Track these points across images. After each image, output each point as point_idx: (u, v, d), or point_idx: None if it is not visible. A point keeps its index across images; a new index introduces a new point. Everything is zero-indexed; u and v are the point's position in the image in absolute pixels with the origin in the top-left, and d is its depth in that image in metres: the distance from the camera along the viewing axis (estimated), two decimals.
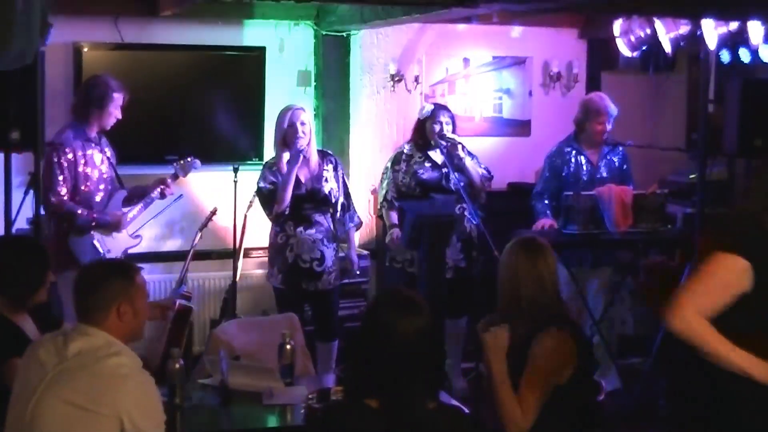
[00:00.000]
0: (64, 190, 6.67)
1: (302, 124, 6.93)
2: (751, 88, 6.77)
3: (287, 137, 6.95)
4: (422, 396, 3.35)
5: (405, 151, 7.50)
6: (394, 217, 7.40)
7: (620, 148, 7.63)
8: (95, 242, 6.77)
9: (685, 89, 9.22)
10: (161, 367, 4.85)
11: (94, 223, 6.74)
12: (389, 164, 7.53)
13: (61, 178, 6.67)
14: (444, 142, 7.29)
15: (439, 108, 7.52)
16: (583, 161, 7.50)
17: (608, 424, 6.33)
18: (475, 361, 7.07)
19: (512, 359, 4.23)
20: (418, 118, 7.50)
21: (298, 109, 7.04)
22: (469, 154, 7.46)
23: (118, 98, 6.82)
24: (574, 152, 7.52)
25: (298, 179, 6.94)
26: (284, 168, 6.91)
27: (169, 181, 7.11)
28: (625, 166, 7.65)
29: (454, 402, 4.29)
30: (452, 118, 7.47)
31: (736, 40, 7.57)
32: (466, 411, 4.11)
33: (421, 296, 3.55)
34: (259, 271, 8.17)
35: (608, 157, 7.57)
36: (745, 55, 7.71)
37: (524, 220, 7.51)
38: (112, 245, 6.88)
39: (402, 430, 3.30)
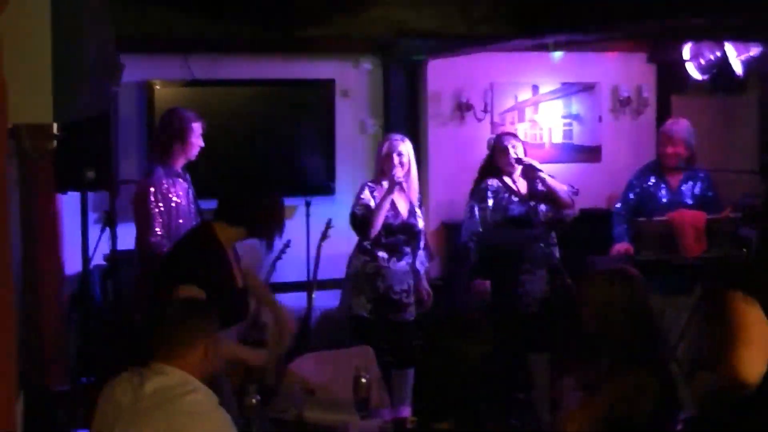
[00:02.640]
0: (160, 230, 6.51)
1: (399, 154, 6.93)
2: None
3: (384, 166, 6.97)
4: (490, 421, 3.37)
5: (489, 184, 7.27)
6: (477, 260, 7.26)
7: (702, 174, 7.52)
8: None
9: (756, 111, 9.12)
10: (238, 400, 4.88)
11: None
12: (473, 203, 7.32)
13: (157, 218, 6.52)
14: (520, 165, 7.22)
15: (504, 135, 7.43)
16: (663, 187, 7.41)
17: None
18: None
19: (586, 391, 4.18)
20: (488, 152, 7.43)
21: (396, 139, 7.05)
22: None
23: (198, 127, 6.75)
24: (653, 177, 7.43)
25: (398, 210, 6.99)
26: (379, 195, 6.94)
27: None
28: (709, 193, 7.49)
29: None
30: (520, 142, 7.34)
31: None
32: None
33: (486, 323, 3.54)
34: (333, 302, 8.20)
35: (690, 183, 7.46)
36: None
37: (597, 246, 7.44)
38: None
39: None
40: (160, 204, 6.55)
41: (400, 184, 6.88)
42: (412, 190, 7.07)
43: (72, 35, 3.11)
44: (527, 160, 7.23)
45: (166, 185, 6.60)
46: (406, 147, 6.99)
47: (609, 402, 4.01)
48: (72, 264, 6.64)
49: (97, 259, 6.61)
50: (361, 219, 6.97)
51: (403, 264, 7.04)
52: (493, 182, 7.27)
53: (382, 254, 7.00)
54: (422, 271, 7.29)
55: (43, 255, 5.46)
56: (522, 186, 7.27)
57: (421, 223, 7.12)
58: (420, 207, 7.20)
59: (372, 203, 6.95)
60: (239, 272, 5.22)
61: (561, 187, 7.27)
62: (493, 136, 7.51)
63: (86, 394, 5.07)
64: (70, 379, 6.17)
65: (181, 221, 6.72)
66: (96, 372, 5.63)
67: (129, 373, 3.88)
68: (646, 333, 4.19)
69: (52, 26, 3.04)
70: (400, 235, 7.01)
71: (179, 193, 6.70)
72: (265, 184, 5.40)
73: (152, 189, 6.53)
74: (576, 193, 7.36)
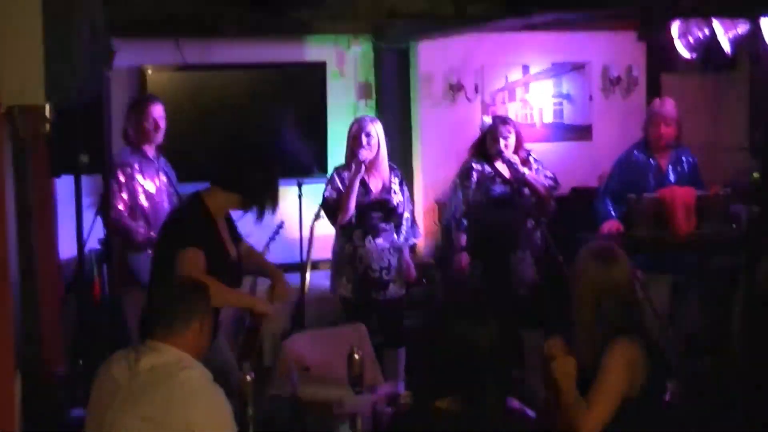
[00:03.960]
0: (121, 206, 6.80)
1: (367, 135, 6.99)
2: None
3: (353, 148, 7.03)
4: (492, 400, 3.41)
5: (474, 167, 7.41)
6: (464, 239, 7.35)
7: (689, 153, 7.57)
8: None
9: (746, 88, 9.18)
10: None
11: (149, 240, 6.83)
12: (458, 180, 7.47)
13: (118, 195, 6.82)
14: (506, 160, 7.27)
15: (500, 122, 7.45)
16: (651, 166, 7.45)
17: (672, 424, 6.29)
18: None
19: (583, 373, 4.22)
20: (481, 131, 7.50)
21: (365, 120, 7.13)
22: (536, 161, 7.44)
23: (155, 109, 6.97)
24: (642, 156, 7.47)
25: (368, 189, 7.04)
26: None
27: None
28: (694, 171, 7.57)
29: (519, 405, 4.31)
30: (515, 129, 7.40)
31: None
32: (532, 414, 4.14)
33: (488, 306, 3.59)
34: (327, 282, 8.24)
35: (677, 162, 7.51)
36: None
37: (588, 224, 7.47)
38: None
39: (471, 430, 3.36)
40: (122, 180, 6.84)
41: (364, 163, 6.93)
42: (382, 169, 7.12)
43: (64, 17, 3.15)
44: (510, 157, 7.26)
45: (131, 164, 6.89)
46: (375, 128, 7.05)
47: (616, 386, 4.06)
48: (67, 248, 6.67)
49: (92, 243, 6.64)
50: (332, 204, 7.04)
51: (380, 242, 7.09)
52: (478, 164, 7.37)
53: (357, 234, 7.07)
54: (407, 247, 7.34)
55: (39, 239, 5.50)
56: (506, 170, 7.35)
57: (397, 199, 7.13)
58: (402, 184, 7.24)
59: (341, 187, 7.02)
60: (231, 242, 5.28)
61: (541, 185, 7.34)
62: (489, 118, 7.52)
63: (83, 376, 5.13)
64: (67, 361, 6.22)
65: (154, 205, 6.88)
66: (92, 354, 5.67)
67: (124, 351, 3.93)
68: (631, 310, 4.25)
69: (44, 8, 3.08)
70: (374, 212, 7.06)
71: (148, 175, 6.86)
72: (265, 156, 5.39)
73: (118, 171, 6.82)
74: (555, 188, 7.44)
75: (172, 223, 5.23)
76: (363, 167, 6.94)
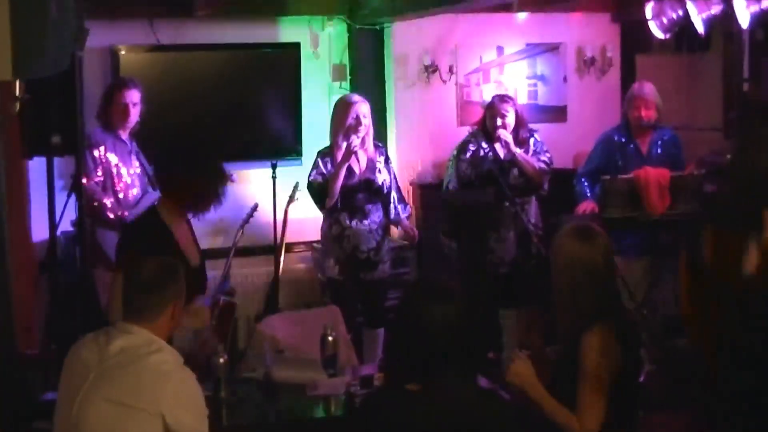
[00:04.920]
0: (95, 181, 6.84)
1: (362, 116, 6.98)
2: None
3: (347, 129, 6.98)
4: (458, 380, 3.38)
5: (471, 142, 7.41)
6: None
7: (670, 134, 7.57)
8: None
9: (720, 69, 9.17)
10: (207, 362, 4.91)
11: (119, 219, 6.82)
12: (455, 152, 7.45)
13: (93, 170, 6.85)
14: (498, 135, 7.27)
15: (498, 100, 7.43)
16: (631, 148, 7.45)
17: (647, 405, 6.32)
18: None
19: (563, 360, 4.21)
20: (486, 107, 7.47)
21: (355, 100, 7.11)
22: (537, 143, 7.46)
23: (129, 94, 6.98)
24: (622, 139, 7.47)
25: (351, 170, 7.02)
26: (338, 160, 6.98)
27: None
28: (674, 152, 7.58)
29: (493, 387, 4.31)
30: (516, 108, 7.42)
31: None
32: (506, 395, 4.13)
33: (455, 284, 3.57)
34: (301, 265, 8.24)
35: (658, 144, 7.51)
36: None
37: (564, 205, 7.48)
38: None
39: (441, 413, 3.33)
40: (96, 155, 6.88)
41: (354, 152, 6.92)
42: (368, 148, 7.11)
43: None
44: (504, 136, 7.27)
45: (104, 143, 6.93)
46: (365, 107, 7.05)
47: (600, 378, 4.05)
48: (39, 230, 6.64)
49: (65, 225, 6.61)
50: (317, 189, 7.02)
51: (368, 223, 7.09)
52: (476, 140, 7.39)
53: (343, 216, 7.06)
54: (403, 221, 7.35)
55: (12, 221, 5.47)
56: (500, 149, 7.35)
57: (382, 178, 7.14)
58: (387, 162, 7.23)
59: (326, 172, 7.01)
60: (193, 246, 5.24)
61: (531, 166, 7.34)
62: (495, 96, 7.47)
63: (56, 359, 5.10)
64: (39, 343, 6.20)
65: (125, 187, 6.86)
66: (66, 336, 5.64)
67: (95, 334, 3.91)
68: (608, 290, 4.23)
69: None
70: (360, 193, 7.05)
71: (121, 157, 6.86)
72: (204, 154, 5.36)
73: (92, 148, 6.86)
74: (547, 173, 7.44)
75: (123, 238, 5.22)
76: (352, 156, 6.91)
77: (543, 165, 7.42)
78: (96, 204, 6.85)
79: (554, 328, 4.35)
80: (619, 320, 4.21)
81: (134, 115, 7.06)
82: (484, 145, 7.35)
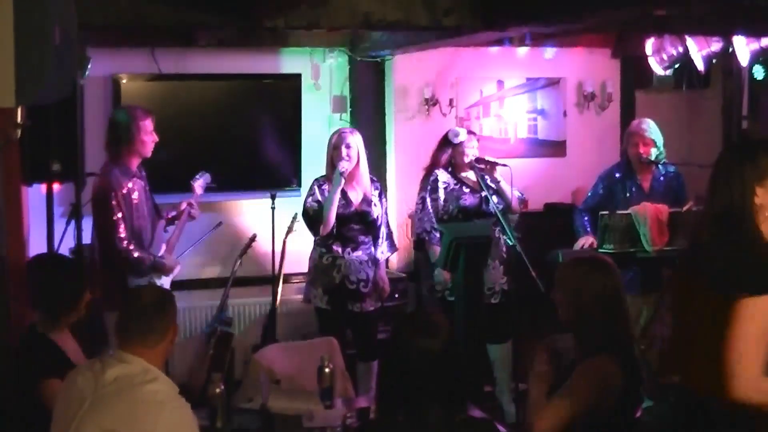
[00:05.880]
0: (124, 234, 6.46)
1: (347, 146, 6.99)
2: None
3: (334, 159, 7.02)
4: (444, 412, 3.41)
5: (440, 178, 7.39)
6: (438, 251, 7.15)
7: (674, 171, 7.56)
8: (154, 280, 6.61)
9: (719, 106, 9.21)
10: (203, 392, 4.90)
11: (153, 266, 6.64)
12: (426, 194, 7.39)
13: (121, 223, 6.46)
14: (481, 165, 7.28)
15: (471, 134, 7.49)
16: (632, 184, 7.44)
17: None
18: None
19: (560, 380, 4.19)
20: (450, 142, 7.44)
21: (345, 131, 7.15)
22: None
23: (147, 123, 6.66)
24: (623, 176, 7.47)
25: (349, 200, 7.04)
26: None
27: (192, 201, 7.07)
28: (677, 188, 7.54)
29: (487, 417, 4.30)
30: (476, 138, 7.49)
31: None
32: (498, 426, 4.11)
33: (443, 319, 3.58)
34: (299, 296, 8.23)
35: (660, 180, 7.50)
36: None
37: (561, 240, 7.48)
38: (164, 278, 6.83)
39: None
40: (123, 208, 6.50)
41: (343, 175, 6.92)
42: (363, 181, 7.12)
43: (35, 18, 3.12)
44: (489, 160, 7.29)
45: (125, 190, 6.54)
46: (355, 139, 7.05)
47: (579, 395, 4.03)
48: None
49: (63, 252, 6.60)
50: (313, 215, 7.02)
51: (359, 254, 7.09)
52: (443, 174, 7.37)
53: (336, 245, 7.06)
54: (382, 261, 7.33)
55: (10, 247, 5.45)
56: (471, 176, 7.36)
57: (377, 212, 7.16)
58: (381, 196, 7.24)
59: (322, 199, 7.01)
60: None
61: (513, 193, 7.35)
62: (455, 130, 7.47)
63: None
64: None
65: (141, 221, 6.69)
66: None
67: (91, 362, 3.91)
68: (617, 321, 4.18)
69: (15, 8, 3.05)
70: (354, 224, 7.06)
71: (138, 192, 6.65)
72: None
73: (113, 193, 6.47)
74: (525, 202, 7.46)
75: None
76: (343, 180, 6.92)
77: (519, 194, 7.47)
78: (135, 262, 6.55)
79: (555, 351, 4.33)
80: (627, 352, 4.19)
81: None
82: (452, 179, 7.37)
